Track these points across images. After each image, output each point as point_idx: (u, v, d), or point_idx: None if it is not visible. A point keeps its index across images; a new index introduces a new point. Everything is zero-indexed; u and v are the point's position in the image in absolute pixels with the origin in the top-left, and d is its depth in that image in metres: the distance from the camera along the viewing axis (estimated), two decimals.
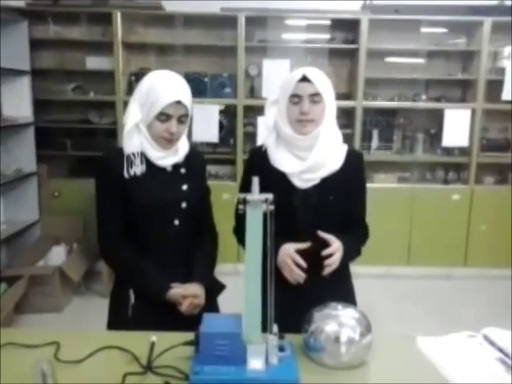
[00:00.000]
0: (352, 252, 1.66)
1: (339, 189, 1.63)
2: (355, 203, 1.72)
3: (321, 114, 1.60)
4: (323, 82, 1.59)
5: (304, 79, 1.57)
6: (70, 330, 2.81)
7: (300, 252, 1.58)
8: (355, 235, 1.70)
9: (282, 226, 1.56)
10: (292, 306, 1.49)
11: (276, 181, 1.60)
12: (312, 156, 1.61)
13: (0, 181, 3.72)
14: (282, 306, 1.31)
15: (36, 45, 4.03)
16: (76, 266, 3.78)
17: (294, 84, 1.58)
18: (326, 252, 1.53)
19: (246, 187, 1.38)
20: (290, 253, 1.57)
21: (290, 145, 1.64)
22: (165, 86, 1.54)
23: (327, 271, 1.54)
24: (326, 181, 1.64)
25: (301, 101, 1.58)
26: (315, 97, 1.58)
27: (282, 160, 1.64)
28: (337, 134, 1.67)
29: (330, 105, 1.62)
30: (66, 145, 4.24)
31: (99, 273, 3.80)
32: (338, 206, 1.64)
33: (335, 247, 1.55)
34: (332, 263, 1.54)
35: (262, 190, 1.23)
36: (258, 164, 1.67)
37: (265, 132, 1.74)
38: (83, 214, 3.97)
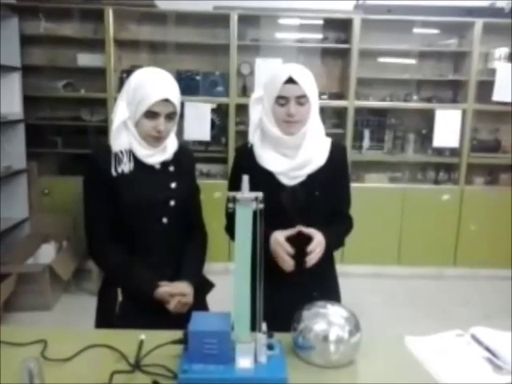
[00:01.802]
0: (335, 243, 1.68)
1: (325, 183, 1.65)
2: (340, 195, 1.74)
3: (307, 113, 1.61)
4: (309, 83, 1.59)
5: (290, 81, 1.56)
6: (59, 328, 2.80)
7: (289, 239, 1.58)
8: (338, 226, 1.72)
9: (269, 223, 1.57)
10: (278, 304, 1.49)
11: (263, 178, 1.60)
12: (300, 154, 1.62)
13: None
14: (269, 303, 1.31)
15: (27, 41, 4.00)
16: (65, 263, 3.76)
17: (279, 85, 1.57)
18: (309, 248, 1.54)
19: (233, 185, 1.38)
20: (280, 242, 1.57)
21: (277, 144, 1.64)
22: (152, 83, 1.53)
23: (309, 263, 1.55)
24: (311, 177, 1.65)
25: (287, 102, 1.58)
26: (301, 98, 1.57)
27: (270, 159, 1.64)
28: (320, 129, 1.69)
29: (315, 103, 1.62)
30: (57, 142, 4.21)
31: (89, 271, 3.79)
32: (324, 200, 1.66)
33: (317, 241, 1.56)
34: (314, 257, 1.55)
35: (249, 187, 1.22)
36: (245, 162, 1.68)
37: (250, 129, 1.73)
38: (73, 212, 3.95)
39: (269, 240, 1.58)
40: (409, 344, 1.42)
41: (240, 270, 1.22)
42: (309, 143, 1.63)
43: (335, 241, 1.68)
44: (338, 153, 1.71)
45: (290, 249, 1.57)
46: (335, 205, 1.71)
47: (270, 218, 1.55)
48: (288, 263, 1.57)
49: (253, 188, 1.23)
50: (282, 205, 1.62)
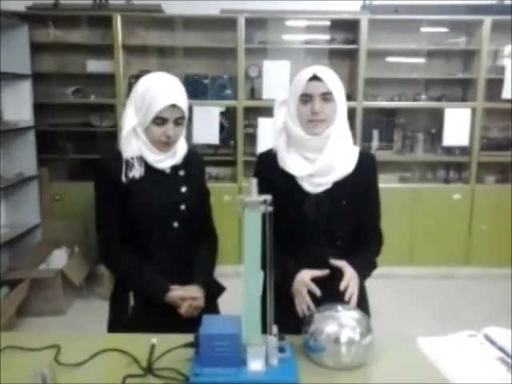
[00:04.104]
0: (368, 270, 1.61)
1: (352, 193, 1.58)
2: (368, 208, 1.66)
3: (332, 113, 1.55)
4: (334, 81, 1.55)
5: (314, 78, 1.52)
6: (72, 332, 2.81)
7: (315, 280, 1.50)
8: (368, 249, 1.65)
9: (293, 232, 1.56)
10: (294, 312, 1.47)
11: (286, 186, 1.57)
12: (322, 158, 1.55)
13: (1, 184, 3.74)
14: (283, 310, 1.31)
15: (36, 48, 4.03)
16: (77, 268, 3.78)
17: (304, 83, 1.53)
18: (341, 286, 1.46)
19: None
20: (306, 281, 1.49)
21: (300, 146, 1.58)
22: (159, 89, 1.53)
23: (353, 302, 1.45)
24: (337, 185, 1.58)
25: (312, 100, 1.53)
26: (326, 95, 1.53)
27: (292, 162, 1.58)
28: (348, 136, 1.62)
29: (341, 105, 1.57)
30: (67, 148, 4.25)
31: (101, 275, 3.80)
32: (351, 211, 1.59)
33: (348, 276, 1.48)
34: (351, 294, 1.45)
35: (272, 194, 1.20)
36: (268, 168, 1.62)
37: (273, 134, 1.67)
38: (84, 217, 3.96)
39: (293, 277, 1.50)
40: (421, 345, 1.41)
41: (250, 273, 1.22)
42: (331, 147, 1.55)
43: (367, 267, 1.61)
44: (367, 163, 1.64)
45: (317, 290, 1.48)
46: (364, 218, 1.63)
47: (293, 227, 1.55)
48: (305, 306, 1.47)
49: (275, 195, 1.21)
50: (305, 213, 1.56)
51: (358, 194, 1.60)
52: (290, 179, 1.58)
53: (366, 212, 1.65)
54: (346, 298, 1.44)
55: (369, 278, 1.65)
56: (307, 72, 1.54)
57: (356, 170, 1.59)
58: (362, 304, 1.62)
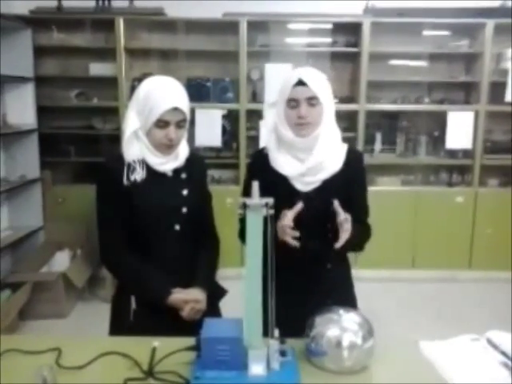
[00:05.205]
0: (356, 239, 1.60)
1: (341, 190, 1.61)
2: (357, 203, 1.69)
3: (319, 115, 1.59)
4: (319, 84, 1.58)
5: (300, 83, 1.56)
6: (74, 335, 2.82)
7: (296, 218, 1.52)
8: (358, 227, 1.64)
9: None
10: (294, 312, 1.47)
11: (277, 184, 1.59)
12: (312, 157, 1.60)
13: (3, 187, 3.75)
14: (283, 311, 1.31)
15: (40, 52, 4.06)
16: (80, 271, 3.79)
17: (290, 88, 1.57)
18: (341, 216, 1.48)
19: (248, 191, 1.37)
20: (285, 223, 1.49)
21: (290, 147, 1.63)
22: (161, 92, 1.53)
23: (342, 239, 1.47)
24: (327, 183, 1.63)
25: (298, 105, 1.57)
26: (312, 100, 1.57)
27: (283, 162, 1.63)
28: (336, 134, 1.66)
29: (328, 105, 1.61)
30: (70, 151, 4.26)
31: (103, 278, 3.80)
32: (341, 207, 1.61)
33: (345, 216, 1.49)
34: (347, 228, 1.47)
35: (264, 193, 1.22)
36: (260, 167, 1.67)
37: (265, 134, 1.73)
38: (87, 220, 3.96)
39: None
40: (424, 349, 1.41)
41: (251, 276, 1.22)
42: (321, 147, 1.60)
43: (357, 237, 1.59)
44: (354, 159, 1.68)
45: (296, 233, 1.49)
46: (351, 213, 1.62)
47: None
48: (290, 234, 1.49)
49: (267, 194, 1.22)
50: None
51: (346, 190, 1.63)
52: (281, 178, 1.63)
53: (355, 207, 1.66)
54: (344, 229, 1.47)
55: (352, 251, 1.70)
56: (293, 76, 1.58)
57: (344, 168, 1.64)
58: (348, 295, 1.72)
